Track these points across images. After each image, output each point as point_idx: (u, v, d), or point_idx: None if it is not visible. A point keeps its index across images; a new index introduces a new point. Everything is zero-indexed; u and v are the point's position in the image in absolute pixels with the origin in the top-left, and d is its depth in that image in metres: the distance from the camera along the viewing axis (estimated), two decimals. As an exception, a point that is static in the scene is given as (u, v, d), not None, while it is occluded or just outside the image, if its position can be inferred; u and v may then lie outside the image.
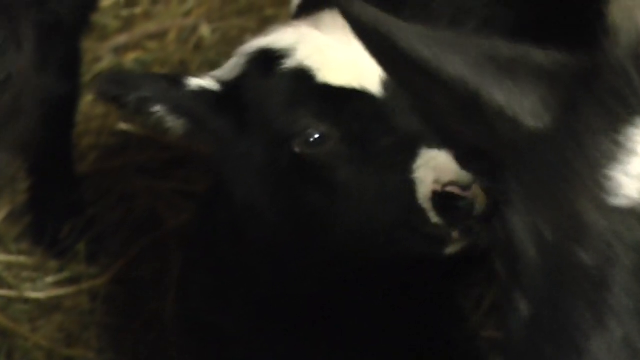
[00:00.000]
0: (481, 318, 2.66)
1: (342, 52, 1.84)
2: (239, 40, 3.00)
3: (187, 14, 3.34)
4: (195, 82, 1.92)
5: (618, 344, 0.96)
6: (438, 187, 1.74)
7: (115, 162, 3.05)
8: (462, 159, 1.63)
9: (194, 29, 3.34)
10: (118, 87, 1.91)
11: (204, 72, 2.92)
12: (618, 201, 1.00)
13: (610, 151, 1.02)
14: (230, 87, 1.93)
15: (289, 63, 1.84)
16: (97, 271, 2.80)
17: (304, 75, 1.82)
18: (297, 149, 1.85)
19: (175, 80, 1.93)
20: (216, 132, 1.96)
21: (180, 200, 2.91)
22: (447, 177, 1.74)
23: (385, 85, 1.81)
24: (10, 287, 2.75)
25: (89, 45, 2.83)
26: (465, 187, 1.75)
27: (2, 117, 2.12)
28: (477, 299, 2.68)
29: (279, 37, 1.90)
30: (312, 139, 1.85)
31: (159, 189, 2.98)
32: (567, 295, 0.99)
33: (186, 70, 3.23)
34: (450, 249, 1.81)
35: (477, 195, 1.76)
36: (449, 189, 1.73)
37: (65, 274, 2.78)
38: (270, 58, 1.88)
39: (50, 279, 2.77)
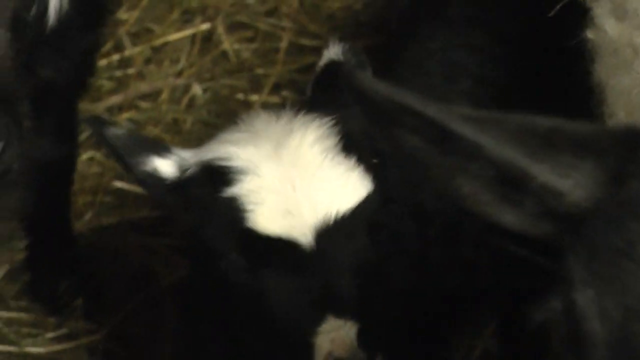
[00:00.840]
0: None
1: (282, 198, 1.85)
2: (230, 98, 3.40)
3: (179, 74, 3.40)
4: (155, 163, 1.94)
5: None
6: (331, 359, 1.79)
7: (111, 220, 3.07)
8: (365, 338, 1.76)
9: (186, 88, 3.40)
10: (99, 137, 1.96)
11: (197, 130, 3.23)
12: None
13: None
14: (182, 179, 1.95)
15: (230, 191, 1.85)
16: (94, 327, 2.82)
17: (238, 211, 1.83)
18: (222, 266, 1.88)
19: (140, 153, 1.95)
20: (171, 208, 2.03)
21: (175, 256, 2.89)
22: (340, 352, 1.77)
23: (317, 238, 1.81)
24: (11, 342, 2.78)
25: (83, 106, 2.84)
26: None
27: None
28: (468, 348, 2.72)
29: (235, 154, 1.89)
30: (232, 267, 1.88)
31: (153, 246, 3.00)
32: None
33: (179, 129, 3.29)
34: None
35: None
36: None
37: (64, 330, 2.81)
38: (219, 174, 1.89)
39: (49, 335, 2.80)
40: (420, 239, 2.17)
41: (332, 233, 1.80)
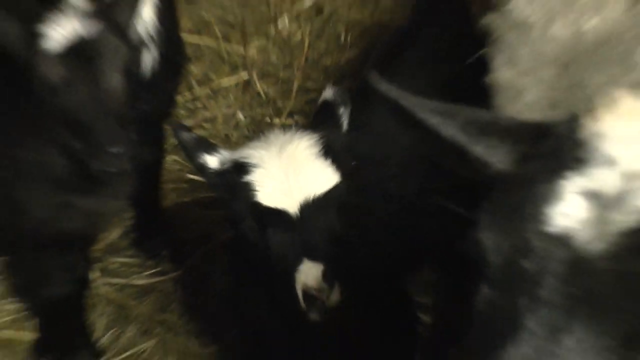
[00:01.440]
0: (417, 287, 2.66)
1: (279, 183, 1.85)
2: (262, 121, 3.38)
3: (229, 106, 3.48)
4: (205, 158, 1.97)
5: (545, 320, 0.99)
6: (304, 287, 1.82)
7: (186, 199, 3.21)
8: (328, 275, 1.80)
9: (233, 115, 3.47)
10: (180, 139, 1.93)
11: (240, 142, 3.19)
12: (551, 229, 1.00)
13: (546, 194, 1.02)
14: (222, 170, 1.96)
15: (247, 177, 1.85)
16: (176, 267, 3.00)
17: (250, 190, 1.84)
18: (242, 227, 1.90)
19: (197, 150, 1.95)
20: (214, 188, 2.01)
21: (225, 223, 2.71)
22: (310, 282, 1.82)
23: (300, 210, 1.81)
24: (123, 277, 2.98)
25: (168, 125, 2.73)
26: (321, 291, 1.81)
27: (118, 181, 2.16)
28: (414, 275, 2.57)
29: (253, 155, 1.90)
30: (248, 228, 1.89)
31: (212, 216, 3.10)
32: (515, 287, 1.03)
33: (229, 141, 3.36)
34: (312, 318, 1.85)
35: (331, 296, 1.82)
36: (309, 290, 1.81)
37: (157, 269, 2.99)
38: (241, 166, 1.89)
39: (148, 272, 3.00)
40: (386, 211, 2.19)
41: (310, 207, 1.83)
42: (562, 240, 0.96)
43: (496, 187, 1.11)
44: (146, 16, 2.25)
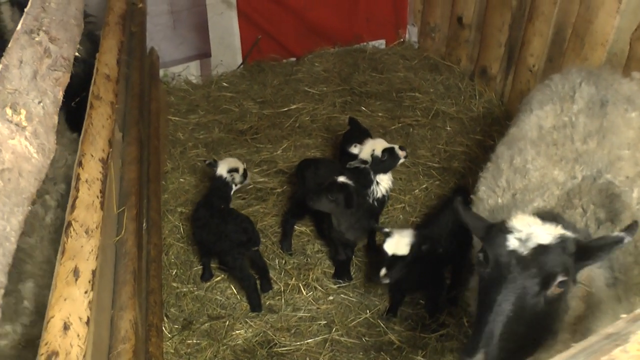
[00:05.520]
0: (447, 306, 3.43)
1: (392, 245, 3.02)
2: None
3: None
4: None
5: (507, 279, 1.77)
6: (383, 275, 2.91)
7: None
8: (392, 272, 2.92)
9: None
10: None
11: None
12: (507, 248, 1.79)
13: (503, 239, 1.78)
14: (387, 232, 3.07)
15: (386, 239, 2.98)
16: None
17: (385, 244, 2.99)
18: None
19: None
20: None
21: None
22: (382, 273, 2.92)
23: (394, 255, 2.97)
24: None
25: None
26: (384, 277, 2.97)
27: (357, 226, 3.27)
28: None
29: (390, 230, 2.99)
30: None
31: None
32: (497, 268, 1.77)
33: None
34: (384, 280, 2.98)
35: (383, 280, 2.96)
36: (382, 278, 2.93)
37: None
38: (388, 233, 3.02)
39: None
40: (437, 249, 3.17)
41: (399, 256, 2.93)
42: (511, 251, 1.83)
43: (484, 240, 1.92)
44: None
